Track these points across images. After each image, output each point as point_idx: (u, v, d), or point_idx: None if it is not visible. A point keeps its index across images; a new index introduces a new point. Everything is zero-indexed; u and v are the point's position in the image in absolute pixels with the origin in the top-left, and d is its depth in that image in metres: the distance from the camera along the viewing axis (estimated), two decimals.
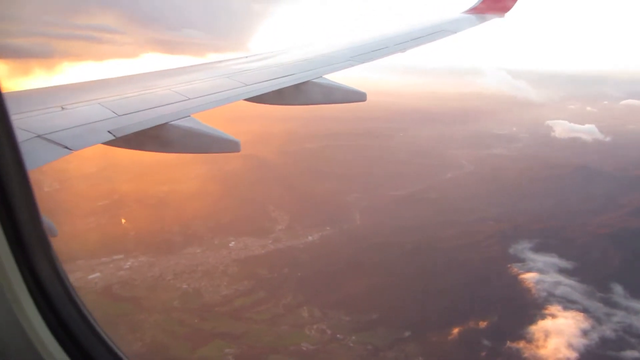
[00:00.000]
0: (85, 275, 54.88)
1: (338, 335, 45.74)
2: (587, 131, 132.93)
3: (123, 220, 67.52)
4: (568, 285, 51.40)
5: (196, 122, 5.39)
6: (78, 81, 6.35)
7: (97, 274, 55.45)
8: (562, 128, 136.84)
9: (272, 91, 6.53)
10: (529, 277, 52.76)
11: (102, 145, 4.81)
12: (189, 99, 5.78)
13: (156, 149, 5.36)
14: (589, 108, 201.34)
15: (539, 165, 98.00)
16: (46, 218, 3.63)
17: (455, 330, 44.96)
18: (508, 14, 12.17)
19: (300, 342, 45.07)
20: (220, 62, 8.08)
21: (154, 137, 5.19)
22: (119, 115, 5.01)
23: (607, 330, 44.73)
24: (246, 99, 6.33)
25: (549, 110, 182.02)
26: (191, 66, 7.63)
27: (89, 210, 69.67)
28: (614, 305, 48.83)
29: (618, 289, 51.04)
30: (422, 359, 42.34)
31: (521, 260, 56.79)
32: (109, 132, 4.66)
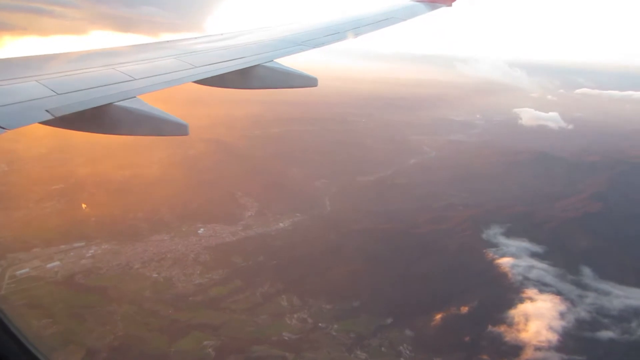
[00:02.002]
0: (44, 264, 51.26)
1: (320, 324, 44.87)
2: (551, 119, 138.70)
3: (84, 205, 63.38)
4: (541, 269, 53.02)
5: (142, 103, 5.17)
6: (13, 56, 5.84)
7: (57, 263, 51.73)
8: (528, 116, 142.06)
9: (221, 74, 6.38)
10: (504, 261, 53.96)
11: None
12: (135, 79, 5.54)
13: (99, 131, 5.13)
14: (549, 97, 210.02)
15: (501, 151, 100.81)
16: None
17: (438, 316, 45.24)
18: (455, 3, 12.55)
19: (282, 331, 43.85)
20: (169, 42, 7.76)
21: (96, 118, 4.95)
22: (59, 94, 4.74)
23: (582, 312, 46.45)
24: (195, 81, 6.15)
25: (513, 98, 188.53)
26: (138, 45, 7.34)
27: (44, 195, 65.19)
28: (585, 287, 50.84)
29: (587, 271, 53.23)
30: (407, 346, 42.20)
31: (495, 245, 58.02)
32: (47, 111, 4.39)
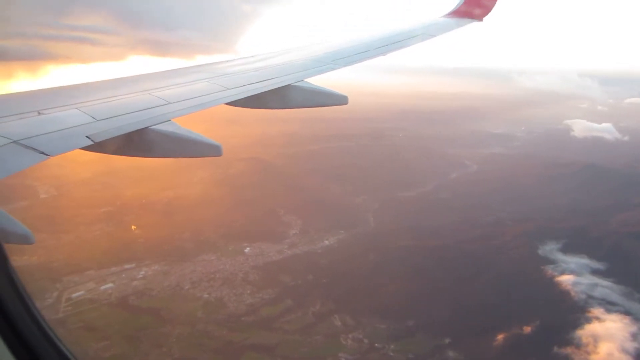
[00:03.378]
0: (98, 286, 51.99)
1: (376, 344, 43.86)
2: (605, 130, 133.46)
3: (133, 227, 64.30)
4: (605, 287, 50.55)
5: (177, 126, 5.32)
6: (55, 85, 6.12)
7: (110, 285, 52.42)
8: (579, 127, 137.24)
9: (253, 95, 6.49)
10: (565, 279, 51.67)
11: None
12: (169, 103, 5.74)
13: (136, 154, 5.30)
14: (600, 107, 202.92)
15: (546, 164, 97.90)
16: (22, 226, 3.82)
17: (500, 337, 43.43)
18: (486, 18, 12.46)
19: (338, 352, 43.05)
20: (201, 66, 7.96)
21: (133, 142, 5.13)
22: (98, 120, 4.96)
23: None
24: (227, 103, 6.27)
25: (565, 109, 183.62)
26: (172, 70, 7.61)
27: (93, 218, 66.45)
28: None
29: None
30: None
31: (552, 262, 55.72)
32: (87, 137, 4.59)
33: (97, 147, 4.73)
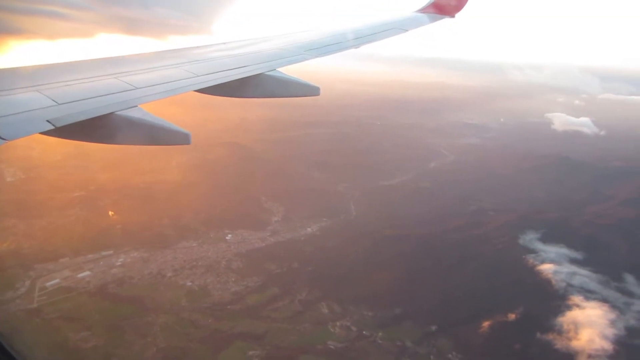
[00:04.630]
0: (74, 274, 50.12)
1: (364, 332, 43.97)
2: (584, 124, 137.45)
3: (111, 213, 62.15)
4: (584, 276, 52.11)
5: (144, 112, 5.18)
6: (16, 64, 5.89)
7: (87, 272, 50.60)
8: (560, 121, 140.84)
9: (223, 83, 6.39)
10: (546, 268, 52.93)
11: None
12: (137, 88, 5.59)
13: (100, 140, 5.17)
14: (577, 102, 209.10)
15: (523, 156, 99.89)
16: None
17: (486, 324, 44.20)
18: (458, 14, 12.69)
19: (326, 340, 42.92)
20: (171, 51, 7.86)
21: (98, 128, 4.98)
22: (60, 104, 4.79)
23: (631, 320, 45.51)
24: (197, 90, 6.20)
25: (542, 102, 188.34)
26: (141, 54, 7.43)
27: (65, 202, 63.91)
28: (630, 294, 49.88)
29: (630, 278, 52.29)
30: (456, 354, 41.19)
31: (533, 251, 56.98)
32: (47, 121, 4.44)
33: (59, 132, 4.58)
